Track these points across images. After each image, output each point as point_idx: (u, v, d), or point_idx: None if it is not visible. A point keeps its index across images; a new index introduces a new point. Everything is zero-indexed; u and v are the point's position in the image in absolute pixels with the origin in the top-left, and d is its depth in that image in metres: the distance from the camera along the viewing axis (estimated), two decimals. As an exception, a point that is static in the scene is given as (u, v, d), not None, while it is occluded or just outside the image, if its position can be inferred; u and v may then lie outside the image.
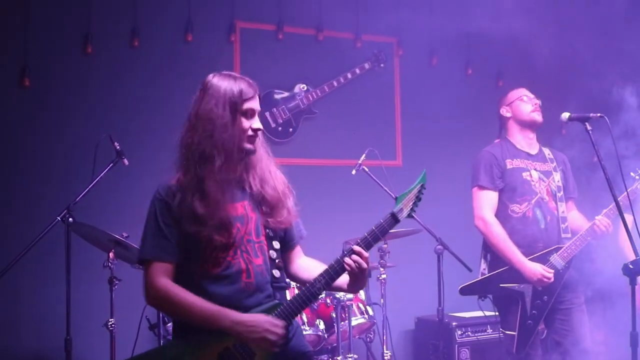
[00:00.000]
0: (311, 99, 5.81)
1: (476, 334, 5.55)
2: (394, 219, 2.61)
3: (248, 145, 2.60)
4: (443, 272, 4.45)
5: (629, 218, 4.31)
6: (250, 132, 2.60)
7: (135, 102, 5.23)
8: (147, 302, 2.58)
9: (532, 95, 4.35)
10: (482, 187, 4.24)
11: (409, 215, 2.66)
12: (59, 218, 4.08)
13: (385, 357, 4.73)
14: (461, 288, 4.22)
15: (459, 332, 5.47)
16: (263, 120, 5.57)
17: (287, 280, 2.79)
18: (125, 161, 4.34)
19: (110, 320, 4.26)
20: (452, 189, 5.53)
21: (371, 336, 5.04)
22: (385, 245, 4.81)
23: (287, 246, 2.78)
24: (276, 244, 2.68)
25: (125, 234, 4.21)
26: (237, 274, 2.55)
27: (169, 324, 4.40)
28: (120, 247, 4.24)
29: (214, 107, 2.55)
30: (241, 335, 2.47)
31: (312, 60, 5.85)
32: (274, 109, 5.67)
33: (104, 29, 5.18)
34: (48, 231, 4.06)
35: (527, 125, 4.31)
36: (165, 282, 2.52)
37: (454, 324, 5.45)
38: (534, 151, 4.33)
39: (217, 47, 5.52)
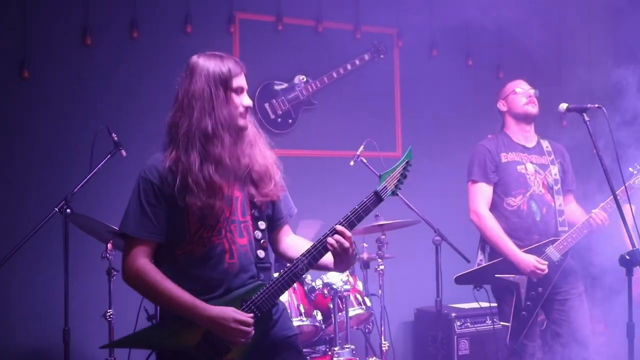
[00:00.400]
0: (310, 90, 5.80)
1: (475, 325, 5.55)
2: (377, 197, 2.59)
3: (242, 122, 2.60)
4: (441, 264, 4.45)
5: (627, 208, 4.34)
6: (241, 109, 2.60)
7: (134, 94, 5.22)
8: (123, 278, 2.59)
9: (527, 87, 4.32)
10: (475, 181, 4.28)
11: (393, 193, 2.62)
12: (56, 209, 4.07)
13: (384, 348, 4.74)
14: (457, 277, 4.25)
15: (458, 323, 5.48)
16: (262, 111, 5.60)
17: (272, 260, 2.76)
18: (123, 152, 4.33)
19: (109, 311, 4.28)
20: (452, 180, 5.50)
21: (369, 327, 5.04)
22: (384, 237, 4.81)
23: (276, 224, 2.78)
24: (262, 224, 2.67)
25: (122, 226, 4.21)
26: (221, 255, 2.55)
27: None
28: (118, 238, 4.23)
29: (206, 86, 2.54)
30: (211, 330, 2.49)
31: (312, 51, 5.84)
32: (274, 100, 5.66)
33: (103, 20, 5.17)
34: (46, 222, 4.06)
35: (522, 118, 4.31)
36: (144, 262, 2.53)
37: (453, 315, 5.46)
38: (530, 144, 4.33)
39: (216, 39, 5.50)
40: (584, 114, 3.65)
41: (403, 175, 2.66)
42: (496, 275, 4.20)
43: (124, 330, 4.37)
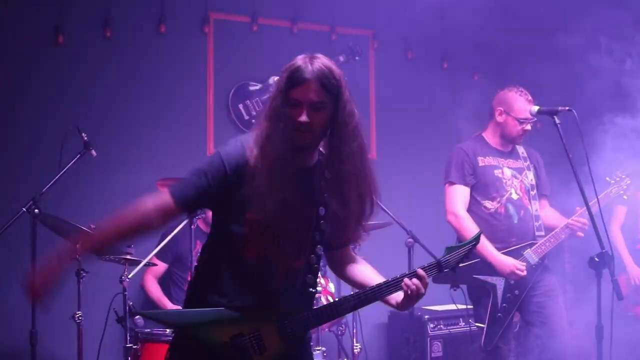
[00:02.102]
0: (286, 91, 5.76)
1: (448, 327, 5.55)
2: (438, 267, 2.50)
3: (295, 141, 2.38)
4: (414, 266, 4.43)
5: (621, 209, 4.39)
6: (294, 126, 2.35)
7: (107, 94, 5.17)
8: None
9: (529, 118, 4.21)
10: (453, 183, 4.30)
11: (453, 269, 2.53)
12: (24, 209, 4.03)
13: (355, 350, 4.71)
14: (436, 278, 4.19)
15: (431, 325, 5.47)
16: (236, 112, 5.57)
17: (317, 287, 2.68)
18: (93, 152, 4.29)
19: (77, 312, 4.21)
20: (426, 182, 5.53)
21: (342, 329, 5.01)
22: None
23: (332, 248, 2.64)
24: (319, 249, 2.51)
25: (92, 226, 4.13)
26: (271, 271, 2.43)
27: (137, 317, 4.35)
28: (87, 239, 4.18)
29: (273, 96, 2.44)
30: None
31: (287, 52, 5.61)
32: (248, 101, 5.63)
33: (75, 19, 5.10)
34: (13, 222, 4.01)
35: (508, 140, 4.35)
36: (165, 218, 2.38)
37: (426, 317, 5.45)
38: (507, 149, 4.37)
39: (190, 39, 5.48)
40: (555, 117, 3.68)
41: (466, 255, 2.57)
42: (474, 276, 4.21)
43: (92, 332, 4.36)
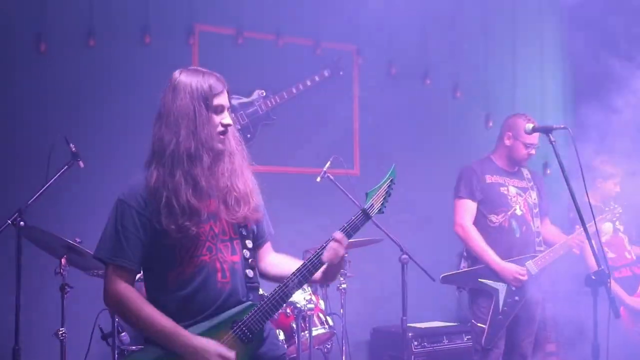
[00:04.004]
0: (270, 105, 5.73)
1: (432, 345, 5.53)
2: (366, 215, 2.57)
3: (218, 144, 2.51)
4: (407, 282, 4.40)
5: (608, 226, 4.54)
6: (220, 128, 2.52)
7: (91, 103, 5.04)
8: (105, 303, 2.50)
9: (535, 143, 4.53)
10: (462, 198, 4.58)
11: (380, 211, 2.63)
12: (9, 221, 3.89)
13: (344, 368, 4.67)
14: (443, 277, 4.57)
15: (415, 343, 5.45)
16: (221, 125, 5.49)
17: (259, 280, 2.68)
18: (81, 163, 4.18)
19: (61, 329, 4.06)
20: (409, 197, 5.50)
21: (328, 347, 4.95)
22: (346, 254, 4.73)
23: (258, 243, 2.70)
24: (249, 243, 2.60)
25: (78, 240, 4.03)
26: (212, 274, 2.47)
27: (123, 334, 4.24)
28: (73, 253, 4.05)
29: (190, 104, 2.46)
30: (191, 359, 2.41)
31: (272, 66, 5.76)
32: (232, 114, 5.55)
33: (58, 28, 5.00)
34: (-2, 235, 3.88)
35: (514, 162, 4.62)
36: (124, 287, 2.44)
37: (410, 334, 5.41)
38: (512, 170, 4.66)
39: (175, 50, 5.39)
40: (550, 134, 3.70)
41: (388, 194, 2.66)
42: (479, 280, 4.50)
43: (76, 349, 4.23)
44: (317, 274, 2.57)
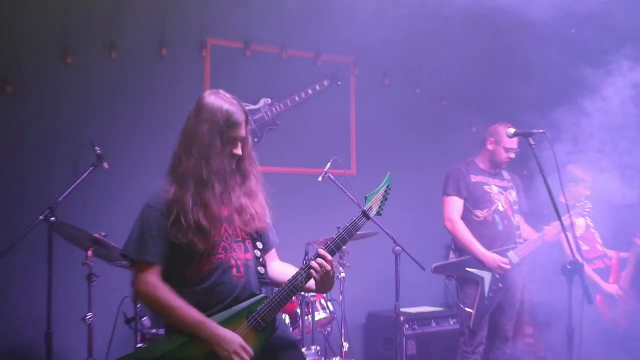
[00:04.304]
0: (275, 111, 5.74)
1: (422, 328, 5.55)
2: (365, 216, 2.63)
3: (229, 167, 2.56)
4: (400, 272, 4.42)
5: (581, 220, 4.57)
6: (229, 158, 2.55)
7: (114, 110, 5.04)
8: (135, 296, 2.54)
9: (515, 148, 4.63)
10: (449, 195, 4.67)
11: (378, 213, 2.70)
12: (41, 217, 3.89)
13: (344, 349, 4.68)
14: (434, 267, 4.62)
15: (407, 326, 5.47)
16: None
17: (269, 277, 2.73)
18: (105, 165, 4.18)
19: (88, 314, 4.08)
20: (400, 196, 5.50)
21: (329, 329, 4.97)
22: (344, 247, 4.75)
23: (264, 249, 2.74)
24: (260, 244, 2.66)
25: (103, 233, 4.05)
26: (228, 269, 2.50)
27: (144, 318, 4.25)
28: (98, 246, 4.07)
29: (207, 133, 2.49)
30: (215, 348, 2.42)
31: (276, 76, 5.77)
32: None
33: (83, 41, 4.98)
34: (31, 230, 3.87)
35: (495, 164, 4.72)
36: (154, 281, 2.46)
37: (402, 318, 5.43)
38: (494, 171, 4.74)
39: (189, 61, 5.39)
40: (530, 138, 3.72)
41: (385, 198, 2.72)
42: (466, 269, 4.56)
43: (102, 332, 4.24)
44: (312, 285, 2.59)
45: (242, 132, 2.57)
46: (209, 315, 2.46)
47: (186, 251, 2.47)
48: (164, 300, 2.44)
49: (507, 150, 4.60)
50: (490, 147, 4.67)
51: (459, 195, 4.64)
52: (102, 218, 4.48)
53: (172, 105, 5.22)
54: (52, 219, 3.91)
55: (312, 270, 2.50)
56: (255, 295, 2.55)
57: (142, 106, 5.15)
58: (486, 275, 4.53)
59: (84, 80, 4.98)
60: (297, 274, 2.53)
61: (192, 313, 2.42)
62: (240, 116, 2.55)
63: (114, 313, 4.20)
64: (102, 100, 5.02)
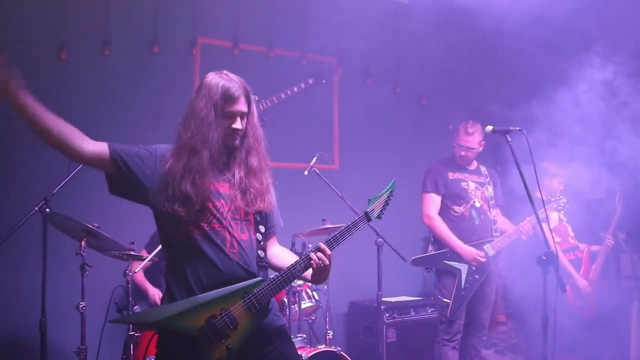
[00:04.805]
0: (262, 108, 5.68)
1: (402, 316, 5.54)
2: (367, 217, 2.62)
3: (229, 142, 2.51)
4: (382, 263, 4.40)
5: (555, 215, 4.55)
6: (229, 131, 2.50)
7: (107, 104, 4.95)
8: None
9: (470, 147, 4.63)
10: (428, 192, 4.70)
11: (379, 217, 2.67)
12: (36, 208, 3.81)
13: (328, 337, 4.65)
14: (413, 259, 4.66)
15: (387, 315, 5.46)
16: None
17: (268, 261, 2.66)
18: (99, 157, 4.10)
19: (82, 303, 4.00)
20: (382, 189, 5.49)
21: (313, 318, 4.94)
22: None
23: (266, 232, 2.66)
24: (262, 228, 2.58)
25: (96, 225, 3.97)
26: (222, 242, 2.44)
27: (136, 307, 4.19)
28: (91, 237, 3.99)
29: (204, 107, 2.46)
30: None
31: (264, 74, 5.71)
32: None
33: (77, 39, 4.89)
34: (26, 221, 3.79)
35: (463, 161, 4.74)
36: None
37: (382, 307, 5.39)
38: (472, 167, 4.74)
39: (180, 59, 5.32)
40: (507, 135, 3.71)
41: (387, 202, 2.71)
42: (444, 262, 4.59)
43: (95, 321, 4.16)
44: (308, 275, 2.55)
45: (240, 106, 2.51)
46: (205, 292, 2.39)
47: (173, 219, 2.42)
48: None
49: (458, 147, 4.63)
50: (455, 146, 4.72)
51: (437, 192, 4.66)
52: (95, 209, 4.39)
53: (163, 101, 5.16)
54: (47, 210, 3.83)
55: (312, 262, 2.47)
56: (254, 276, 2.49)
57: (134, 102, 5.07)
58: (463, 268, 4.55)
59: (77, 76, 4.88)
60: (296, 262, 2.49)
61: None
62: (237, 91, 2.49)
63: (107, 302, 4.12)
64: (96, 95, 4.93)
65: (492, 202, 4.68)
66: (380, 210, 2.67)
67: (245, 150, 2.55)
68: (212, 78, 2.53)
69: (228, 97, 2.48)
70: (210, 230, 2.43)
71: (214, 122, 2.46)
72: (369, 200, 2.63)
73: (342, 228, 2.53)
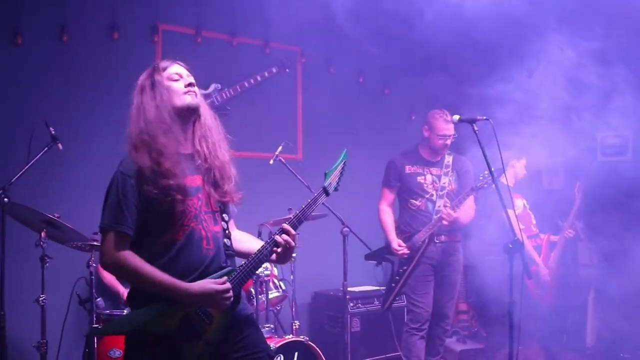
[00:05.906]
0: (225, 97, 5.59)
1: (366, 306, 5.55)
2: (325, 192, 2.58)
3: (188, 100, 2.45)
4: (348, 251, 4.39)
5: (519, 202, 4.58)
6: (185, 89, 2.46)
7: (67, 91, 4.78)
8: (103, 266, 2.37)
9: (449, 134, 4.55)
10: (382, 186, 4.80)
11: (336, 189, 2.65)
12: (-6, 198, 3.67)
13: (294, 327, 4.62)
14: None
15: (351, 304, 5.45)
16: (182, 114, 5.32)
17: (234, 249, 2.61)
18: (60, 146, 3.97)
19: (42, 296, 3.86)
20: (347, 179, 5.47)
21: (278, 308, 4.90)
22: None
23: (228, 220, 2.61)
24: (226, 216, 2.54)
25: (57, 215, 3.84)
26: (199, 241, 2.39)
27: (99, 299, 4.07)
28: (52, 227, 3.84)
29: (139, 93, 2.43)
30: (198, 304, 2.32)
31: (227, 62, 5.61)
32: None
33: (34, 23, 4.69)
34: (-18, 211, 3.64)
35: (434, 151, 4.67)
36: (123, 250, 2.31)
37: (347, 297, 5.40)
38: (434, 159, 4.67)
39: (140, 46, 5.16)
40: (474, 125, 3.73)
41: (341, 173, 2.68)
42: (385, 256, 4.66)
43: (56, 314, 4.02)
44: (272, 256, 2.51)
45: (180, 70, 2.49)
46: None
47: (160, 216, 2.34)
48: (135, 269, 2.30)
49: (440, 137, 4.56)
50: (425, 134, 4.65)
51: (389, 186, 4.74)
52: (56, 199, 4.25)
53: (124, 89, 5.01)
54: (5, 200, 3.69)
55: (277, 244, 2.44)
56: (223, 268, 2.45)
57: (94, 89, 4.91)
58: (395, 260, 4.62)
59: (35, 62, 4.69)
60: (262, 247, 2.45)
61: (163, 277, 2.29)
62: (168, 62, 2.50)
63: (68, 295, 3.99)
64: (55, 82, 4.75)
65: (441, 193, 4.62)
66: (337, 182, 2.65)
67: (204, 119, 2.54)
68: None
69: (160, 68, 2.48)
70: (188, 231, 2.38)
71: (162, 86, 2.43)
72: (325, 174, 2.61)
73: (303, 206, 2.50)
